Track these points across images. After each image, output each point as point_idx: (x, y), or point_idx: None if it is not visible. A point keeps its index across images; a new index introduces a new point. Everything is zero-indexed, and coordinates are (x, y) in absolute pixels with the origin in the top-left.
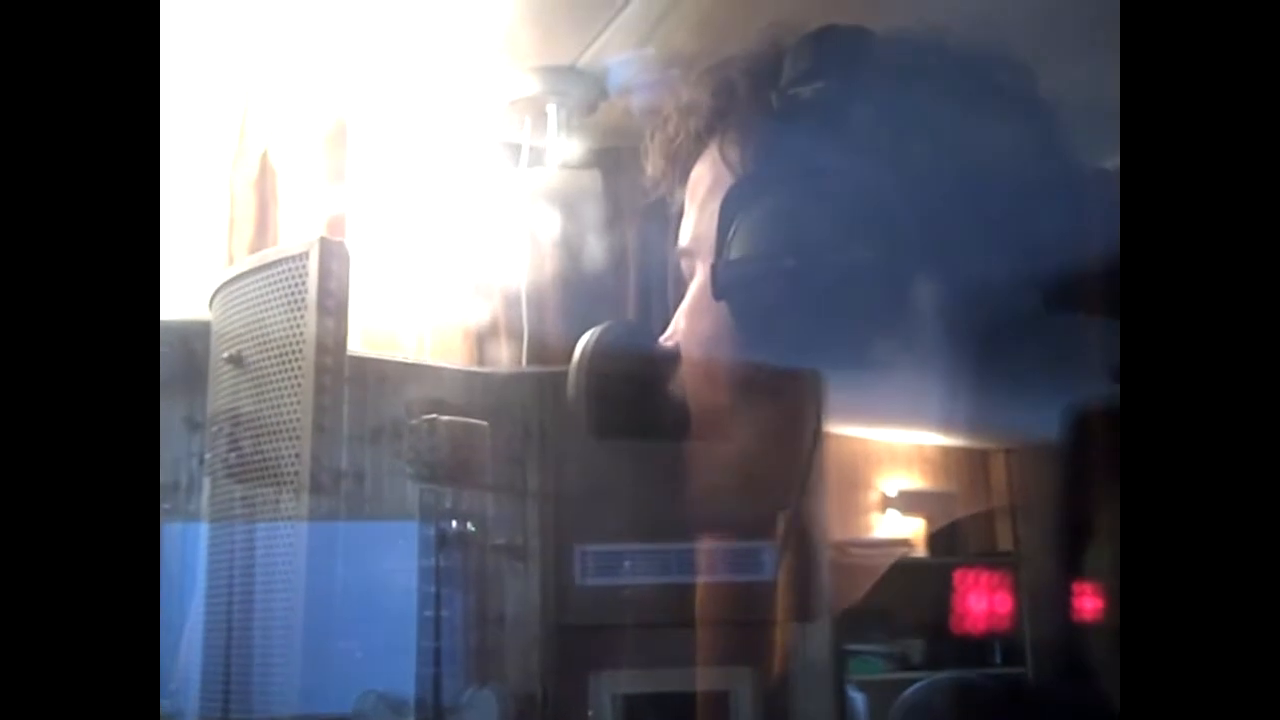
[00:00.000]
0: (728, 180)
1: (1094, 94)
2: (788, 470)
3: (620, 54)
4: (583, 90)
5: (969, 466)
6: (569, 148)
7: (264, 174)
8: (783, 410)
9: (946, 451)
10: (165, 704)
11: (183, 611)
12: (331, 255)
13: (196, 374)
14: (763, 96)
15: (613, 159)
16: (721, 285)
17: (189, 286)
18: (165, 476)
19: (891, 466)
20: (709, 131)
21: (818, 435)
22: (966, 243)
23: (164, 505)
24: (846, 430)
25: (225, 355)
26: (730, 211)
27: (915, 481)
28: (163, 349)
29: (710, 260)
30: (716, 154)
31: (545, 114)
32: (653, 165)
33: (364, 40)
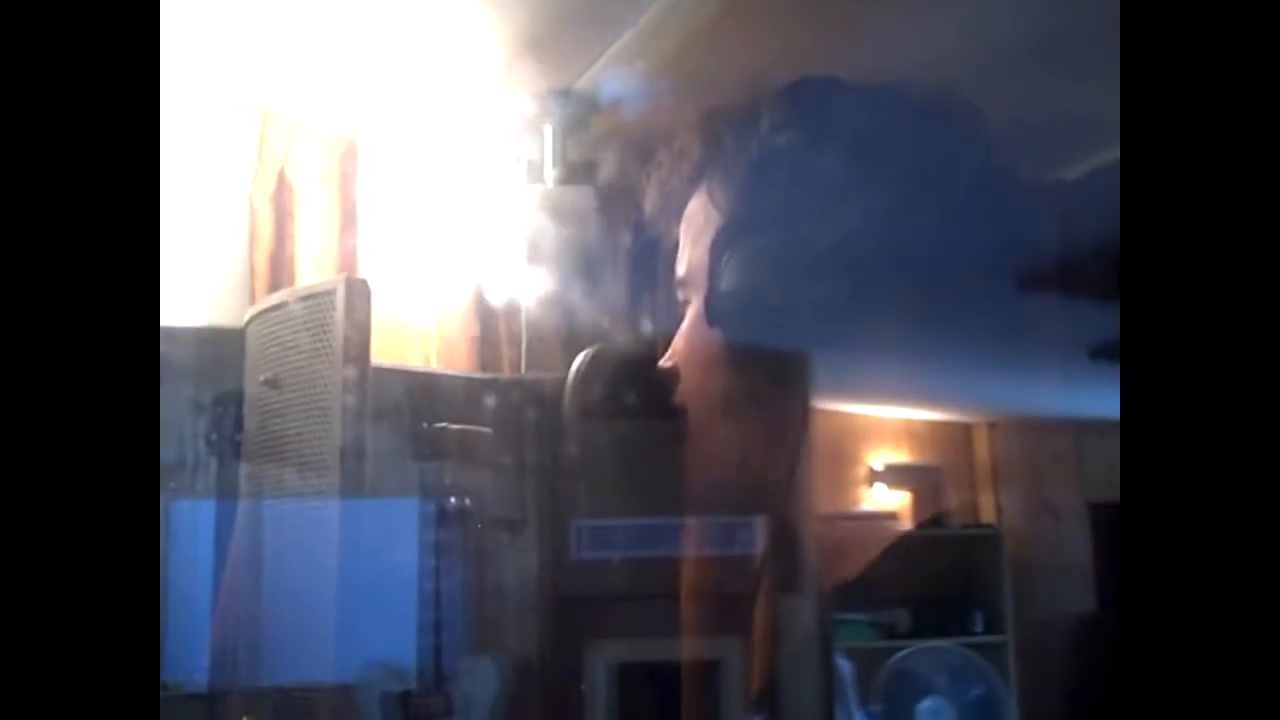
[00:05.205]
0: (717, 220)
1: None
2: (772, 472)
3: (615, 75)
4: (578, 111)
5: (953, 441)
6: (564, 165)
7: (281, 189)
8: (768, 421)
9: (932, 426)
10: (200, 678)
11: (213, 586)
12: (355, 291)
13: (219, 373)
14: (744, 145)
15: (605, 175)
16: (714, 314)
17: (215, 294)
18: (179, 460)
19: (878, 441)
20: (699, 176)
21: (800, 441)
22: (930, 262)
23: (185, 489)
24: (834, 407)
25: (262, 379)
26: (720, 248)
27: (901, 456)
28: (192, 351)
29: (703, 291)
30: (706, 196)
31: (542, 134)
32: (650, 202)
33: (374, 65)
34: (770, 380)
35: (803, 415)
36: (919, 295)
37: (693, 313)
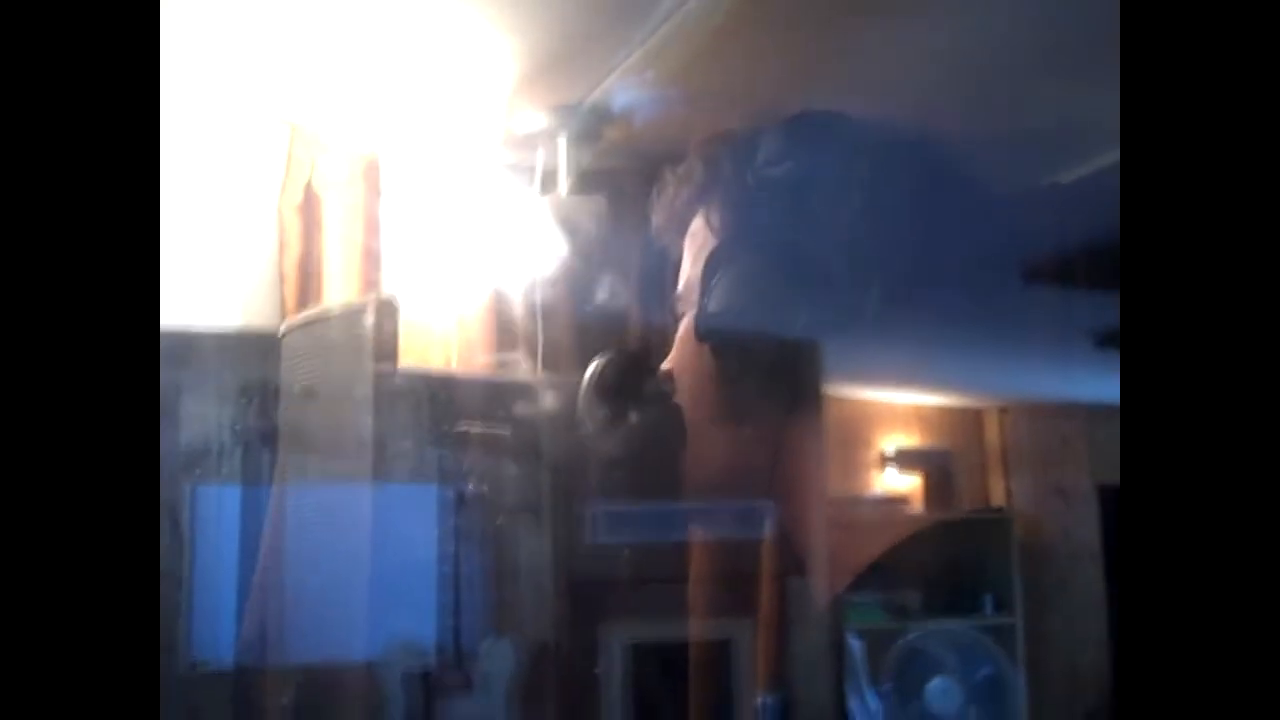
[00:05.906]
0: (712, 243)
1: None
2: (761, 469)
3: (626, 89)
4: (590, 123)
5: (964, 425)
6: (577, 175)
7: (309, 200)
8: (754, 424)
9: (943, 411)
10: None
11: (238, 568)
12: (384, 309)
13: (250, 370)
14: (741, 174)
15: (616, 184)
16: (701, 332)
17: (247, 298)
18: (208, 448)
19: (890, 426)
20: (699, 199)
21: (783, 445)
22: (910, 285)
23: (213, 475)
24: (847, 392)
25: (298, 389)
26: (711, 271)
27: (913, 440)
28: (225, 351)
29: (694, 309)
30: (704, 219)
31: (556, 145)
32: (657, 219)
33: (396, 81)
34: (755, 390)
35: (790, 418)
36: (911, 313)
37: (684, 327)
